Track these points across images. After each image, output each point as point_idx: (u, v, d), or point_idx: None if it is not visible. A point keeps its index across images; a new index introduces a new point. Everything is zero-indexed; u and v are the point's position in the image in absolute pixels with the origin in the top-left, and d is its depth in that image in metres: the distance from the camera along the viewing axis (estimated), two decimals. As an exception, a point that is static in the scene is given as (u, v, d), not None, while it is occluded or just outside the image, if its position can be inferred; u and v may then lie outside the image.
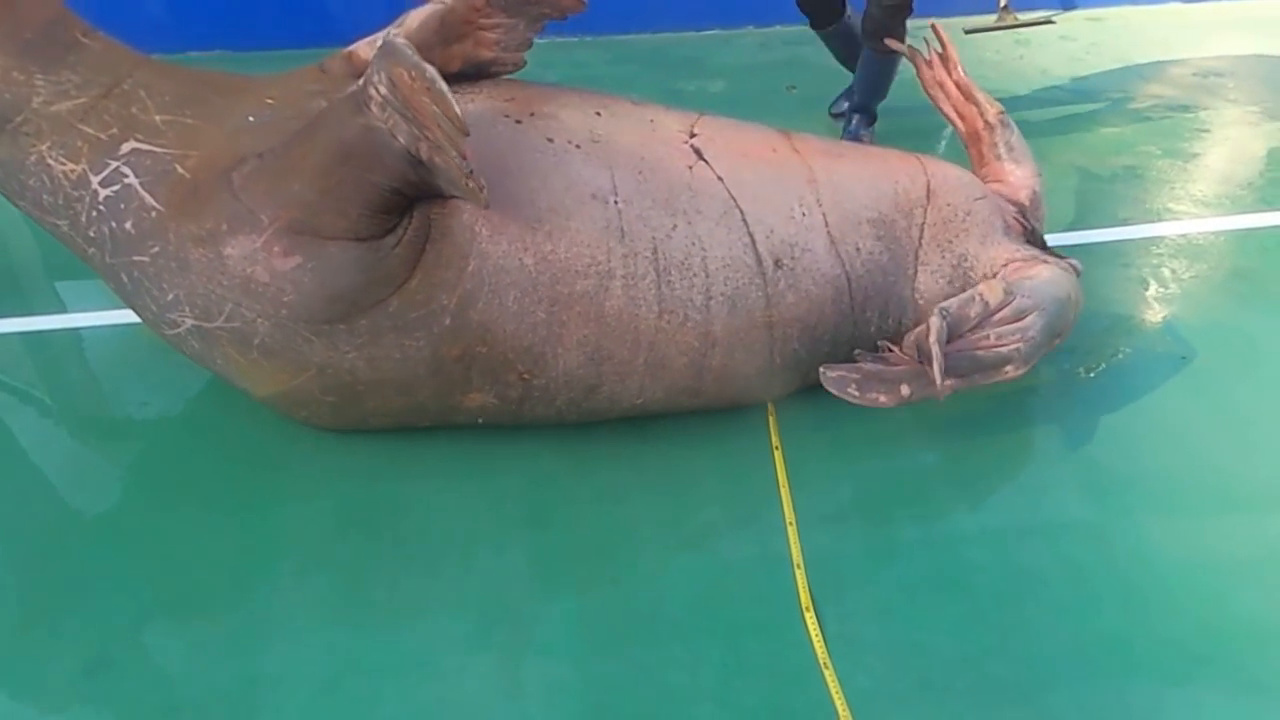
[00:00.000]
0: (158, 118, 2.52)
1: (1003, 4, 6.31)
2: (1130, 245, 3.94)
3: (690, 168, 2.73)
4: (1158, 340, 3.36)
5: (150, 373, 3.12)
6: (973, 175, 3.25)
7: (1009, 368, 2.78)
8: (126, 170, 2.46)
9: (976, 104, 3.53)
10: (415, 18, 2.67)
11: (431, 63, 2.60)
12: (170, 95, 2.57)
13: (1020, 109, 5.19)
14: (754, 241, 2.68)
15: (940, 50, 3.63)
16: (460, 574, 2.46)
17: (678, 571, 2.47)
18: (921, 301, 2.96)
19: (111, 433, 2.98)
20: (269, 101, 2.65)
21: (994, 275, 2.98)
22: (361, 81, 2.29)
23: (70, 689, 2.18)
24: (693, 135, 2.84)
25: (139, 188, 2.45)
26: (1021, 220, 3.23)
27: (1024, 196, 3.36)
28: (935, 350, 2.58)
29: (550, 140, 2.62)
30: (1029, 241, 3.20)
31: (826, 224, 2.80)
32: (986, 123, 3.50)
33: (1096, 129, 5.05)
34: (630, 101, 2.96)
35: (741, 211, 2.70)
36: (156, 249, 2.42)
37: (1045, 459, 2.85)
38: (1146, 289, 3.64)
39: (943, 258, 2.98)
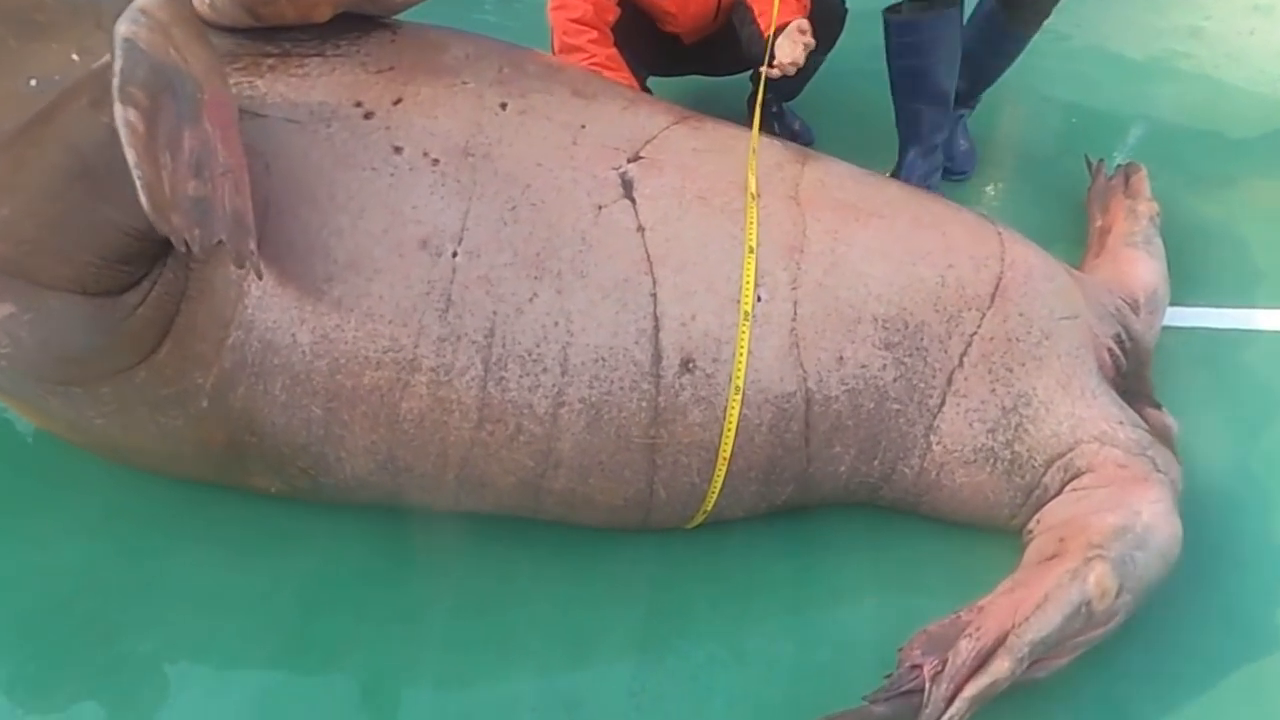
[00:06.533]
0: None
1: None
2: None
3: (600, 208, 1.79)
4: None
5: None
6: (1066, 277, 2.13)
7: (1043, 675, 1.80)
8: None
9: (1133, 196, 2.62)
10: None
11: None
12: None
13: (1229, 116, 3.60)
14: (656, 329, 1.74)
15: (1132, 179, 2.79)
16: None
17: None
18: (938, 447, 1.93)
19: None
20: (74, 59, 1.84)
21: (1070, 463, 1.94)
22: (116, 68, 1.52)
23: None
24: (638, 156, 1.89)
25: None
26: (1119, 348, 2.15)
27: (1140, 293, 2.34)
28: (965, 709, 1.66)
29: (397, 150, 1.75)
30: (1123, 385, 2.12)
31: (794, 316, 1.82)
32: (1133, 213, 2.56)
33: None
34: (575, 92, 1.98)
35: (654, 282, 1.75)
36: None
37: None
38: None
39: (992, 392, 1.92)
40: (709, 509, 1.90)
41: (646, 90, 3.07)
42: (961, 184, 3.12)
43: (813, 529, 2.08)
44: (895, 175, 2.90)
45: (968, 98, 3.14)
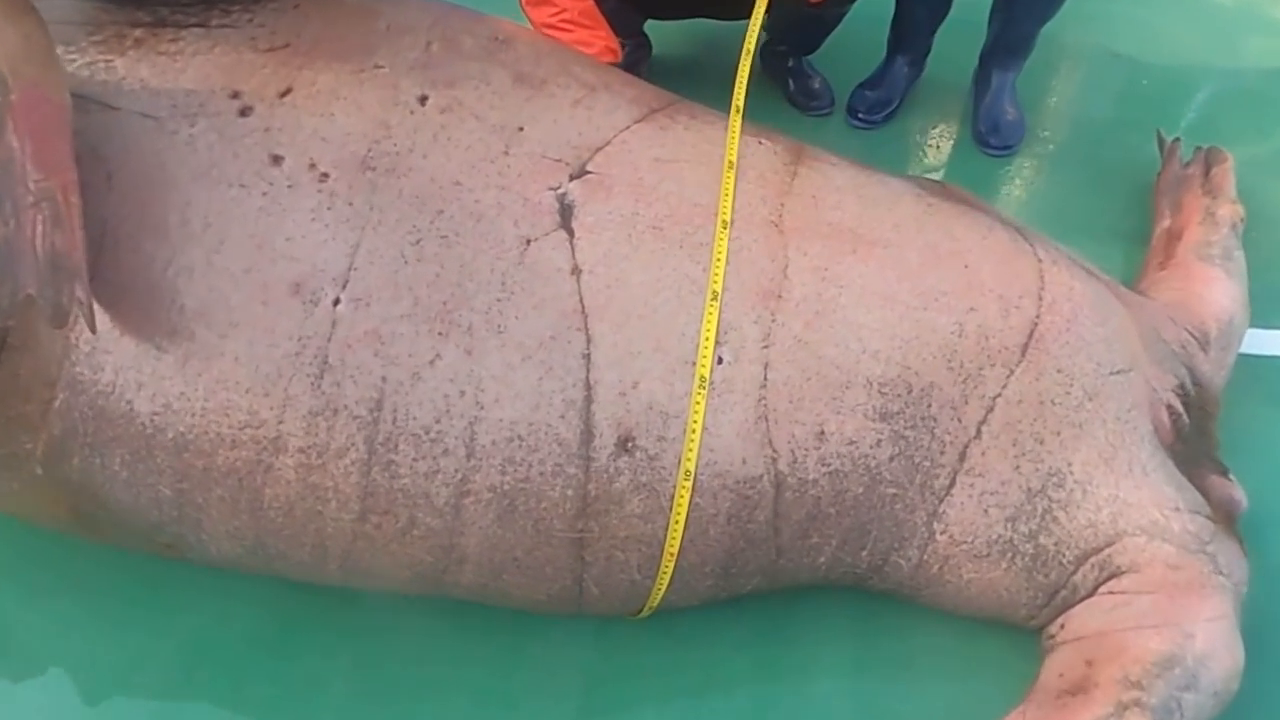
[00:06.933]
0: None
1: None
2: None
3: (527, 243, 1.42)
4: None
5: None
6: (1122, 315, 1.73)
7: None
8: None
9: (1213, 195, 2.16)
10: None
11: None
12: None
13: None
14: (588, 400, 1.40)
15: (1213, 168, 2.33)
16: None
17: None
18: (943, 538, 1.58)
19: None
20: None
21: (1108, 560, 1.58)
22: None
23: None
24: (583, 171, 1.51)
25: None
26: (1181, 402, 1.75)
27: (1212, 324, 1.94)
28: None
29: (276, 160, 1.40)
30: (1183, 451, 1.72)
31: (763, 381, 1.46)
32: (1211, 217, 2.11)
33: None
34: (519, 78, 1.58)
35: (588, 340, 1.40)
36: None
37: None
38: None
39: (1015, 470, 1.56)
40: (655, 605, 1.57)
41: (643, 38, 2.65)
42: (1005, 161, 2.67)
43: (783, 613, 1.75)
44: (872, 85, 2.75)
45: (1017, 47, 2.65)
